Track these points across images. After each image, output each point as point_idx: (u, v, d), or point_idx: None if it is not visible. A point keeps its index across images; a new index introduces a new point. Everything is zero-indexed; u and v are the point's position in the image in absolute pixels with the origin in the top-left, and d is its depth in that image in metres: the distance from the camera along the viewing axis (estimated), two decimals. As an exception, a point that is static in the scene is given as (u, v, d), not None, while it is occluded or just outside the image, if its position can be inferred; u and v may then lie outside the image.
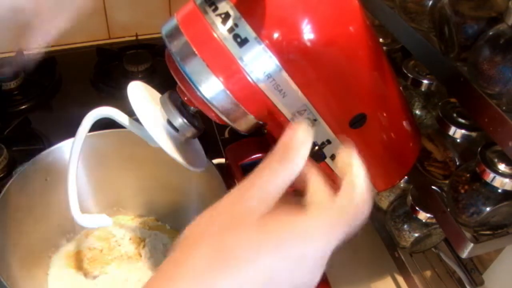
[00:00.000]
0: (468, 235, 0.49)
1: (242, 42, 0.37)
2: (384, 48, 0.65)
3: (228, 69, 0.38)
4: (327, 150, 0.45)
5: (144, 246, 0.67)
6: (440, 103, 0.55)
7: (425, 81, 0.58)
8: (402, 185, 0.67)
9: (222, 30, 0.37)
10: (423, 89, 0.59)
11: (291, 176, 0.30)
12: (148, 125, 0.44)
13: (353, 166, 0.33)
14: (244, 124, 0.42)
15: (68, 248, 0.67)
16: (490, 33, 0.41)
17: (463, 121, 0.52)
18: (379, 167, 0.50)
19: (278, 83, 0.39)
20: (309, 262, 0.29)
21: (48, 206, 0.62)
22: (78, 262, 0.66)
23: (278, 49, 0.37)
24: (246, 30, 0.37)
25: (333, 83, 0.41)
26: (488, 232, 0.51)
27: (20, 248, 0.59)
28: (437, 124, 0.54)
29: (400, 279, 0.70)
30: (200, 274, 0.27)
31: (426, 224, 0.62)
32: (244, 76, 0.38)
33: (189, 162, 0.46)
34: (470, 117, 0.52)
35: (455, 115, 0.53)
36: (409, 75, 0.59)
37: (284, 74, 0.38)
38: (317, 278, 0.30)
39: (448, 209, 0.51)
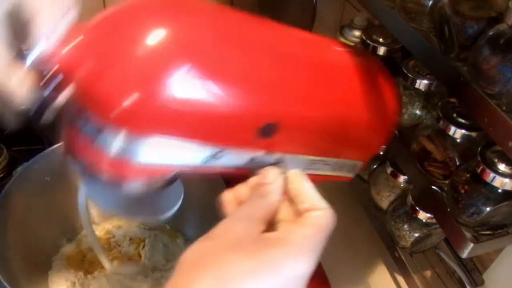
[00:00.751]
0: (468, 235, 0.49)
1: (98, 131, 0.35)
2: (384, 48, 0.65)
3: (103, 162, 0.36)
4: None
5: (144, 246, 0.67)
6: (440, 103, 0.55)
7: (425, 81, 0.58)
8: (402, 185, 0.67)
9: (82, 127, 0.36)
10: (423, 89, 0.59)
11: (271, 206, 0.35)
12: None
13: (306, 188, 0.37)
14: (155, 184, 0.40)
15: (68, 248, 0.67)
16: (490, 33, 0.41)
17: (463, 121, 0.52)
18: (347, 145, 0.47)
19: (159, 149, 0.36)
20: (300, 281, 0.32)
21: (48, 206, 0.62)
22: (78, 262, 0.66)
23: (142, 125, 0.34)
24: (95, 120, 0.35)
25: (212, 122, 0.37)
26: (488, 232, 0.51)
27: (21, 248, 0.59)
28: (437, 124, 0.54)
29: (400, 279, 0.70)
30: None
31: (426, 224, 0.62)
32: (123, 161, 0.35)
33: (160, 211, 0.46)
34: (470, 117, 0.52)
35: (455, 115, 0.53)
36: (409, 75, 0.59)
37: (157, 139, 0.35)
38: None
39: (448, 209, 0.51)
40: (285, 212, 0.36)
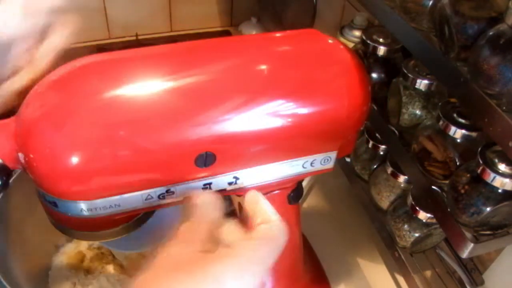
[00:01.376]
0: (468, 235, 0.50)
1: (53, 204, 0.38)
2: (384, 48, 0.65)
3: (73, 223, 0.41)
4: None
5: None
6: (440, 103, 0.55)
7: (425, 81, 0.58)
8: (402, 185, 0.67)
9: (45, 199, 0.39)
10: (423, 89, 0.59)
11: (209, 226, 0.35)
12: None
13: (260, 206, 0.37)
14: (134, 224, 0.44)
15: (68, 248, 0.67)
16: (490, 33, 0.41)
17: (463, 121, 0.52)
18: (306, 144, 0.43)
19: (111, 202, 0.38)
20: None
21: (48, 206, 0.62)
22: (78, 262, 0.66)
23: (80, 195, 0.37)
24: (47, 193, 0.38)
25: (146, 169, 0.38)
26: (488, 232, 0.51)
27: (20, 248, 0.59)
28: (437, 124, 0.54)
29: (400, 278, 0.70)
30: None
31: (426, 224, 0.62)
32: (89, 218, 0.38)
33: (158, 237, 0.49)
34: (470, 117, 0.52)
35: (455, 115, 0.53)
36: (409, 75, 0.59)
37: (104, 199, 0.37)
38: None
39: (448, 209, 0.51)
40: (240, 233, 0.36)
